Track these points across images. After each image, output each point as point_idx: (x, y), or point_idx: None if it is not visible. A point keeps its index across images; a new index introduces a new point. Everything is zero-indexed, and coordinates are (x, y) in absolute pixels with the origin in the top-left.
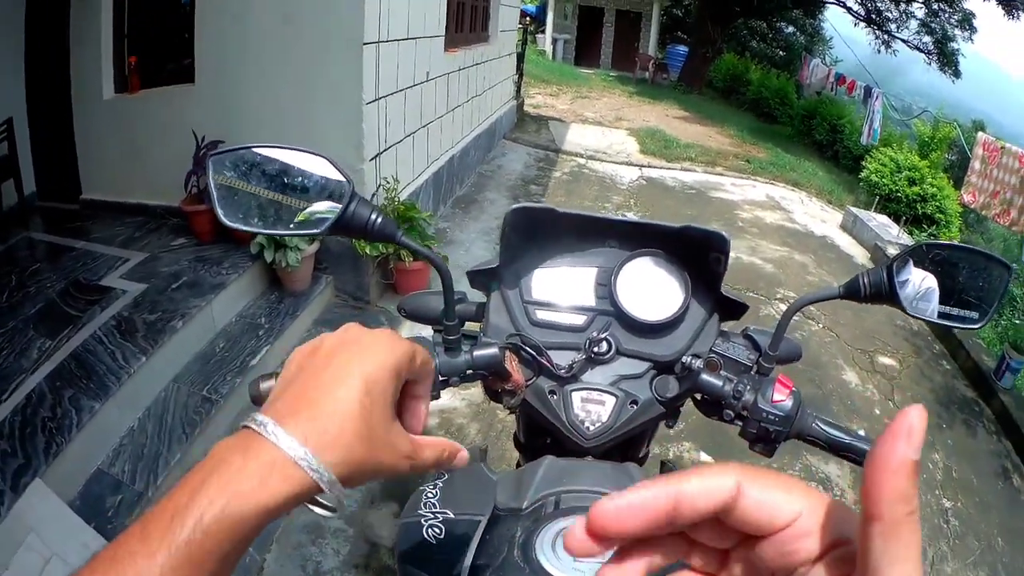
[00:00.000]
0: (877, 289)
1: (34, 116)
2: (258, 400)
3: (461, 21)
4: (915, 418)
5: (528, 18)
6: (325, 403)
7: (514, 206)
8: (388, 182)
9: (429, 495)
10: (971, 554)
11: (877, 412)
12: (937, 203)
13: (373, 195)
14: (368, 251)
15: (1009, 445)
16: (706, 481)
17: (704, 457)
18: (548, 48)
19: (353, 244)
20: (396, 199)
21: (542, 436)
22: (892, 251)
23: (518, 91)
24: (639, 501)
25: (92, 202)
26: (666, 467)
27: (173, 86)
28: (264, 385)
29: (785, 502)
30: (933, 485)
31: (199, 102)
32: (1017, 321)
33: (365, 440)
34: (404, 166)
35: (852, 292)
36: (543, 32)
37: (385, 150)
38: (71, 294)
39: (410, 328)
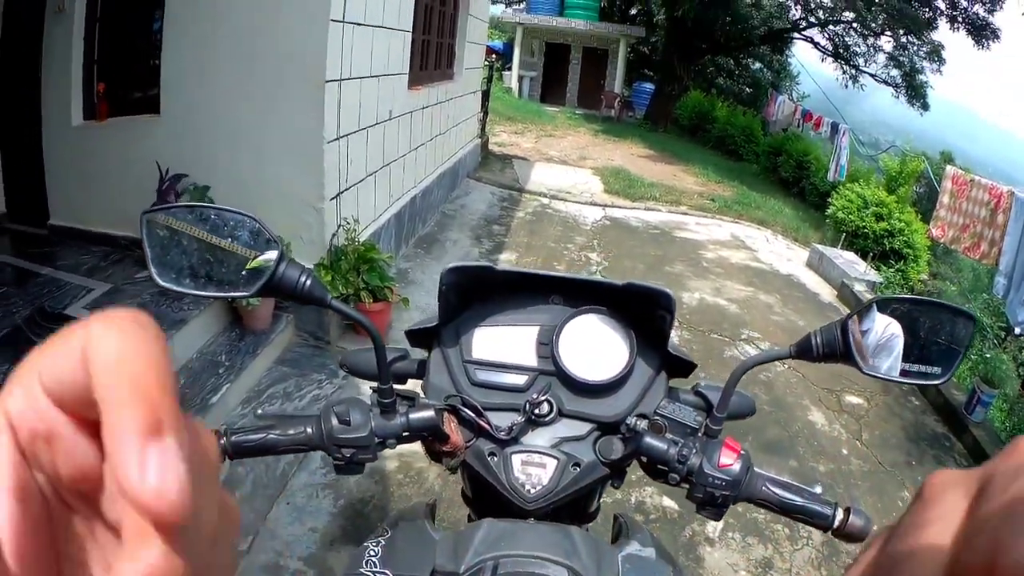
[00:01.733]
0: (831, 348)
1: (4, 139)
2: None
3: (426, 58)
4: None
5: (495, 55)
6: None
7: (449, 265)
8: (348, 222)
9: (372, 552)
10: None
11: (844, 452)
12: (905, 238)
13: (334, 235)
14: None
15: None
16: None
17: (667, 503)
18: (514, 85)
19: None
20: (356, 239)
21: (487, 494)
22: (859, 288)
23: (483, 129)
24: None
25: (59, 228)
26: (618, 522)
27: (139, 116)
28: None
29: None
30: None
31: (164, 134)
32: (988, 355)
33: None
34: (366, 205)
35: (804, 352)
36: (509, 69)
37: (346, 189)
38: (36, 322)
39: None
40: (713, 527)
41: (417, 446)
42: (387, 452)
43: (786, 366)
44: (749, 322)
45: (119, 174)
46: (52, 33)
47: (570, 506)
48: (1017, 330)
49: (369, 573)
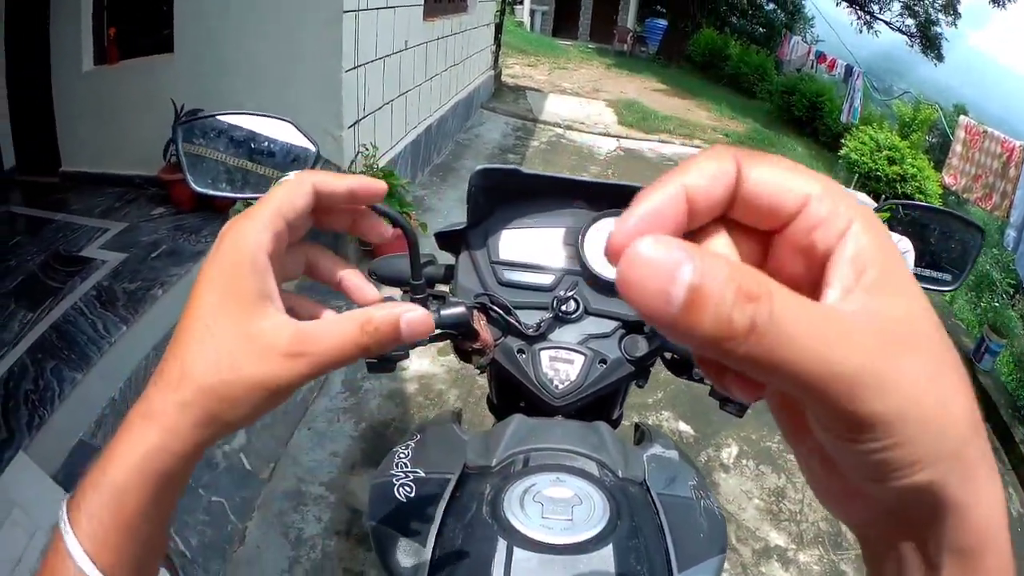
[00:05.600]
0: None
1: (14, 90)
2: None
3: None
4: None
5: None
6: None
7: (479, 167)
8: (367, 149)
9: (401, 455)
10: None
11: None
12: (917, 183)
13: (352, 162)
14: None
15: (988, 428)
16: (705, 166)
17: (683, 427)
18: (526, 19)
19: None
20: (375, 166)
21: (514, 397)
22: None
23: (496, 61)
24: (653, 207)
25: (72, 174)
26: (640, 429)
27: (153, 56)
28: None
29: (790, 183)
30: None
31: (178, 72)
32: (996, 303)
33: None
34: (383, 133)
35: None
36: (521, 3)
37: (364, 117)
38: (51, 266)
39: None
40: (728, 453)
41: (439, 367)
42: (407, 375)
43: None
44: None
45: (133, 115)
46: None
47: (595, 409)
48: None
49: (401, 473)
